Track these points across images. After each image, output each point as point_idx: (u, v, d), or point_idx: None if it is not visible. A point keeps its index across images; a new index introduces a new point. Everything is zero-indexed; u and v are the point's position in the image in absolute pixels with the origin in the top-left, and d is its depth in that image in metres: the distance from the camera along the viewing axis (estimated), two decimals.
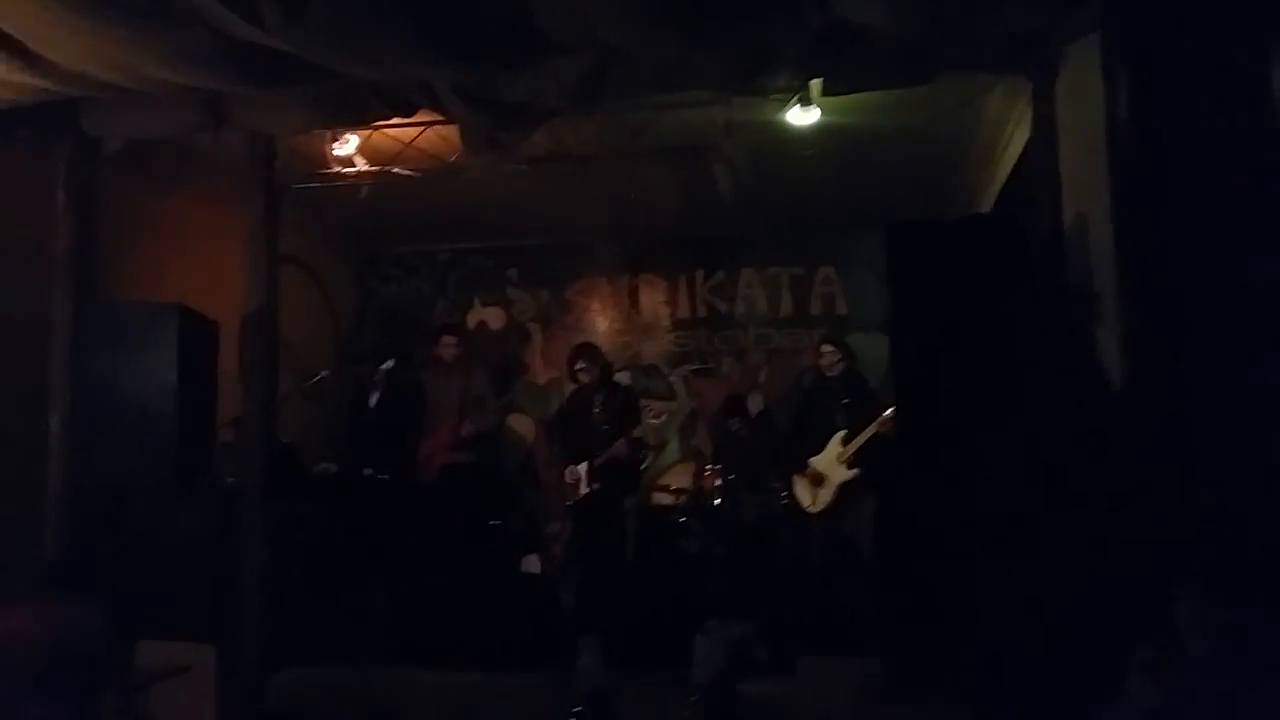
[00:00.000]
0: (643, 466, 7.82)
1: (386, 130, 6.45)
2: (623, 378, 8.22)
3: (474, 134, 5.70)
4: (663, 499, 7.51)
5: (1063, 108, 4.95)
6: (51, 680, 1.14)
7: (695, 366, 9.09)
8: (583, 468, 7.10)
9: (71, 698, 1.21)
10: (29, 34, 4.42)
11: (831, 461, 6.56)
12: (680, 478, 7.79)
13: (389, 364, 7.10)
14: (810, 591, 5.89)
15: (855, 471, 6.41)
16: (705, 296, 9.24)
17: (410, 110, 5.63)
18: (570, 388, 7.77)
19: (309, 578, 5.82)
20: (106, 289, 5.81)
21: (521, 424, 9.16)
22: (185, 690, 4.54)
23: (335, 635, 5.52)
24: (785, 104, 5.94)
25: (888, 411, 5.93)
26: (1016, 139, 6.03)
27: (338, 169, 6.80)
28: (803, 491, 6.70)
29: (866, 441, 6.35)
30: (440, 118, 5.84)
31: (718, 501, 7.06)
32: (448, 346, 7.63)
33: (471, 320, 9.41)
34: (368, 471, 6.69)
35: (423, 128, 6.37)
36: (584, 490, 7.08)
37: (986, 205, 7.06)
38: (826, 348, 6.93)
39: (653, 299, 9.31)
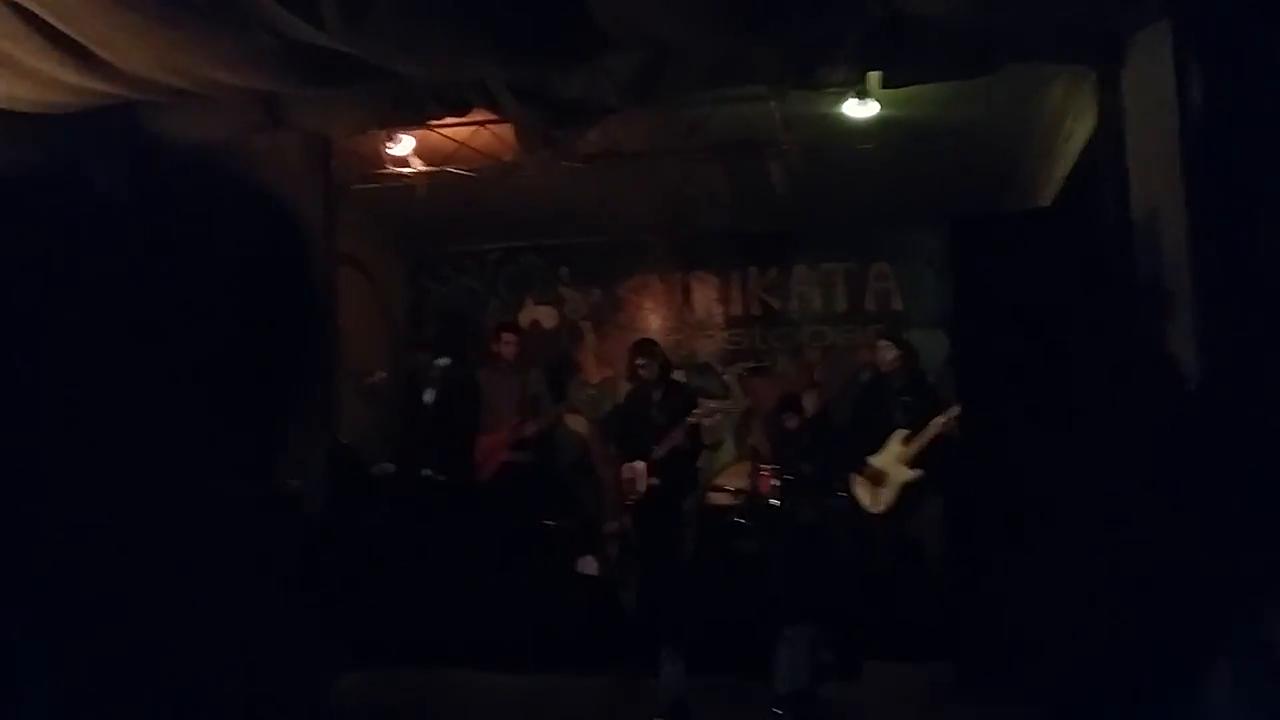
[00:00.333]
0: (698, 464, 7.76)
1: (442, 130, 6.46)
2: (677, 376, 8.17)
3: (529, 132, 5.70)
4: (719, 499, 7.44)
5: (1130, 98, 4.83)
6: None
7: (750, 365, 9.02)
8: (641, 465, 7.05)
9: None
10: (92, 38, 4.47)
11: (892, 461, 6.46)
12: (736, 478, 7.72)
13: (445, 361, 7.11)
14: (873, 594, 5.81)
15: (918, 472, 6.29)
16: (759, 293, 9.17)
17: (466, 109, 5.63)
18: (626, 386, 7.74)
19: (368, 579, 5.84)
20: None
21: (576, 423, 9.13)
22: None
23: (395, 637, 5.53)
24: (842, 97, 5.87)
25: (951, 410, 5.82)
26: (1078, 131, 5.90)
27: (394, 169, 6.83)
28: (863, 491, 6.61)
29: (929, 441, 6.24)
30: (495, 116, 5.84)
31: (775, 502, 6.99)
32: (509, 344, 7.59)
33: (524, 319, 9.39)
34: (426, 472, 6.69)
35: (477, 126, 6.37)
36: (642, 487, 7.03)
37: (1046, 199, 6.93)
38: (884, 343, 6.83)
39: (706, 296, 9.26)
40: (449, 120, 6.05)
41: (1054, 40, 5.07)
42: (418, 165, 6.76)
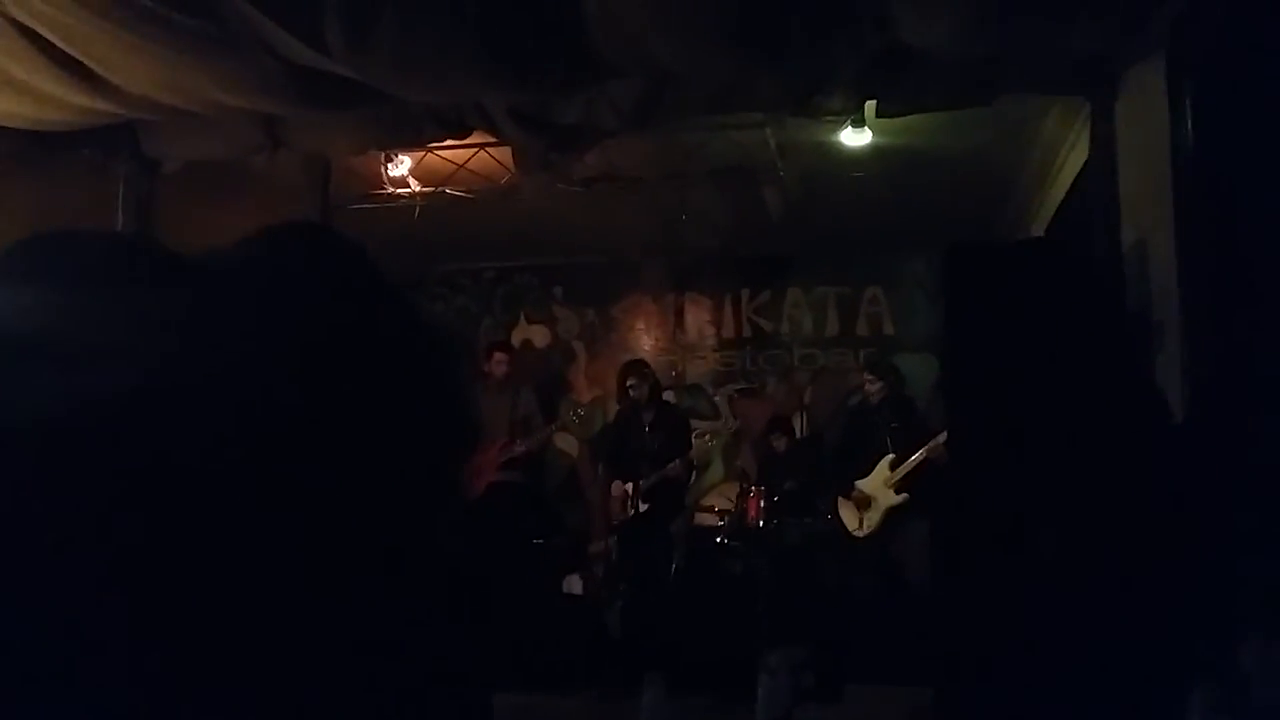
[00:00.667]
0: (687, 487, 7.79)
1: (439, 151, 6.50)
2: (667, 397, 8.20)
3: (528, 155, 5.75)
4: (706, 519, 7.48)
5: (1123, 129, 4.90)
6: None
7: (740, 386, 9.06)
8: (629, 486, 7.08)
9: None
10: (94, 57, 4.50)
11: (879, 485, 6.50)
12: (724, 498, 7.76)
13: None
14: (856, 617, 5.84)
15: (904, 497, 6.35)
16: (751, 316, 9.22)
17: (464, 131, 5.68)
18: (616, 407, 7.77)
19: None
20: None
21: (565, 443, 9.16)
22: None
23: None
24: (838, 125, 5.93)
25: (939, 437, 5.87)
26: (1072, 161, 5.98)
27: (391, 190, 6.86)
28: (848, 515, 6.65)
29: (916, 467, 6.29)
30: (494, 139, 5.88)
31: (762, 524, 7.03)
32: (499, 363, 7.62)
33: (516, 338, 9.43)
34: None
35: (476, 149, 6.42)
36: (631, 510, 7.05)
37: (1039, 228, 7.01)
38: (869, 376, 6.87)
39: (698, 318, 9.31)
40: (448, 142, 6.09)
41: (1049, 71, 5.14)
42: (415, 186, 6.80)
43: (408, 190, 6.82)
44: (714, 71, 5.03)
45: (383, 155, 6.55)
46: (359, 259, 0.85)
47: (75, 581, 0.61)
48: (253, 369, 0.68)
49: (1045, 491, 4.17)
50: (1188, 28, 3.96)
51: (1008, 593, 4.17)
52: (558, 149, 5.64)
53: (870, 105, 5.52)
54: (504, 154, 6.21)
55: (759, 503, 7.21)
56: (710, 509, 7.71)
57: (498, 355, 7.75)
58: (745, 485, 7.64)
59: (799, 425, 8.06)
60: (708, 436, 7.81)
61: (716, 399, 9.15)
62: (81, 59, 4.45)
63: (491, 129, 5.54)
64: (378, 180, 6.80)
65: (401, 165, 6.65)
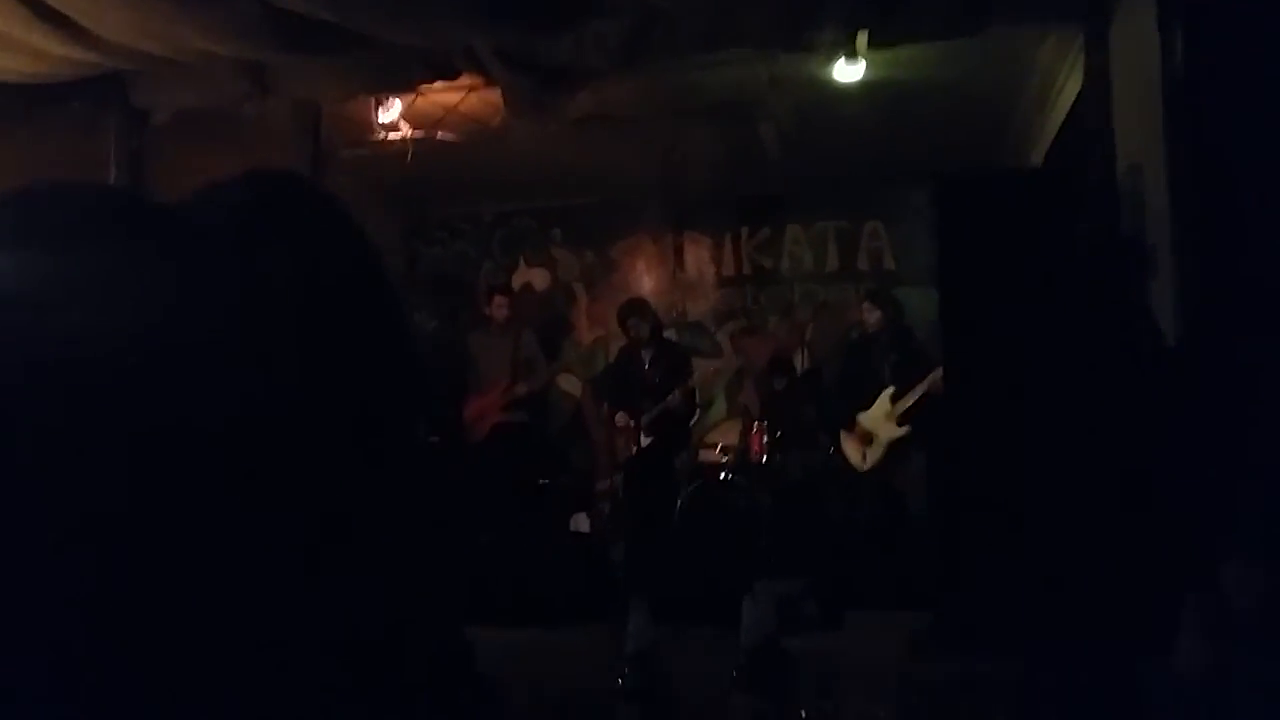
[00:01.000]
0: (691, 423, 7.84)
1: (430, 95, 6.46)
2: (669, 335, 8.22)
3: (517, 97, 5.71)
4: (710, 457, 7.53)
5: (1116, 57, 4.85)
6: None
7: (741, 324, 9.07)
8: (632, 420, 7.12)
9: None
10: (77, 8, 4.48)
11: (880, 419, 6.53)
12: (727, 435, 7.81)
13: (433, 324, 7.16)
14: (859, 548, 5.91)
15: (906, 429, 6.38)
16: (751, 253, 9.19)
17: (454, 75, 5.64)
18: (617, 346, 7.79)
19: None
20: None
21: (568, 383, 9.21)
22: None
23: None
24: (831, 59, 5.86)
25: (939, 370, 5.88)
26: (1068, 90, 5.92)
27: (383, 135, 6.83)
28: (851, 449, 6.68)
29: (918, 400, 6.31)
30: (484, 81, 5.84)
31: (765, 459, 7.08)
32: (500, 306, 7.64)
33: (517, 281, 9.42)
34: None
35: (466, 92, 6.37)
36: (634, 447, 7.11)
37: (1038, 157, 6.96)
38: (868, 305, 6.87)
39: (698, 257, 9.29)
40: (437, 85, 6.05)
41: (1042, 0, 5.09)
42: (406, 130, 6.77)
43: (399, 135, 6.79)
44: (702, 6, 4.98)
45: (373, 100, 6.51)
46: (332, 210, 0.86)
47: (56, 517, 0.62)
48: (226, 323, 0.69)
49: (1039, 419, 4.20)
50: None
51: (1003, 519, 4.21)
52: (547, 90, 5.61)
53: (862, 37, 5.46)
54: (495, 96, 6.16)
55: (762, 438, 7.26)
56: (714, 446, 7.75)
57: (498, 299, 7.77)
58: (748, 422, 7.69)
59: (800, 361, 8.09)
60: (709, 375, 7.83)
61: (718, 337, 9.16)
62: (62, 9, 4.43)
63: (480, 71, 5.50)
64: (369, 125, 6.77)
65: (392, 110, 6.62)
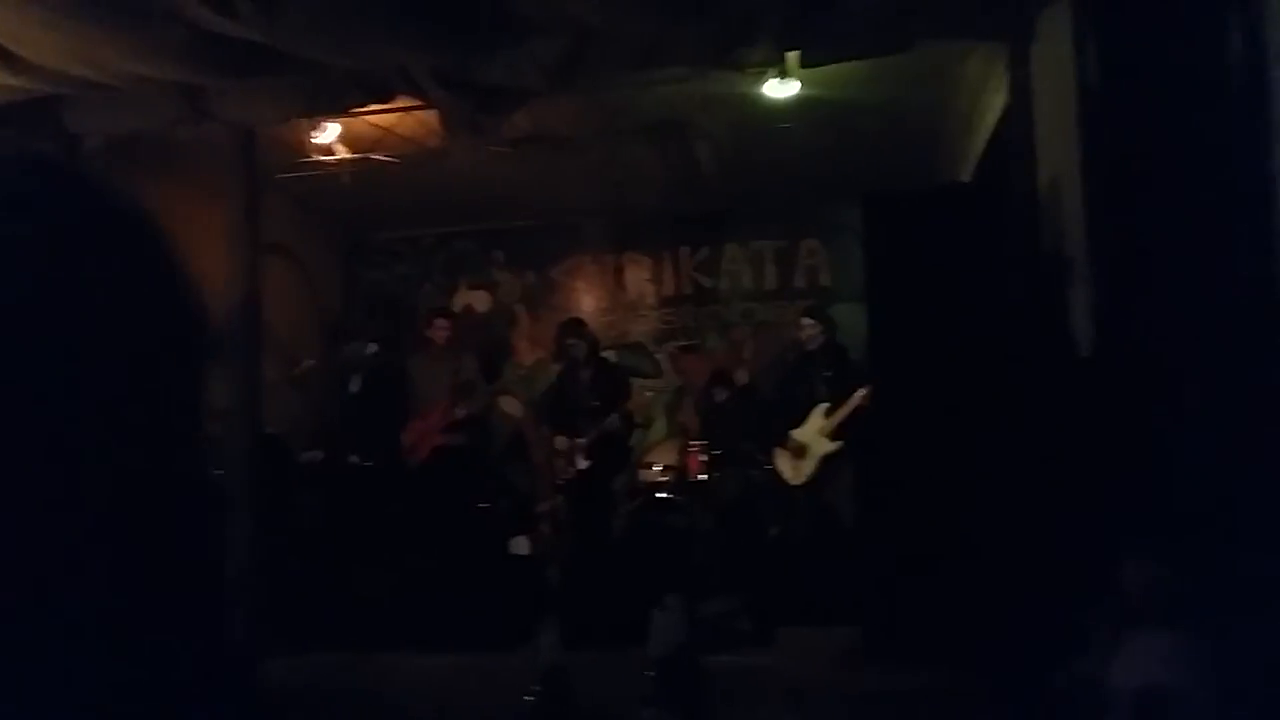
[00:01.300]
0: (630, 444, 7.85)
1: (366, 117, 6.46)
2: (609, 356, 8.25)
3: (453, 117, 5.72)
4: (649, 476, 7.54)
5: (1038, 73, 4.97)
6: None
7: (681, 343, 9.12)
8: (571, 440, 7.12)
9: None
10: (7, 34, 4.44)
11: (813, 434, 6.60)
12: (667, 455, 7.83)
13: (372, 348, 7.13)
14: (792, 564, 5.95)
15: (838, 444, 6.45)
16: (690, 273, 9.28)
17: (389, 96, 5.65)
18: (557, 368, 7.80)
19: (298, 567, 5.86)
20: None
21: (510, 405, 9.18)
22: None
23: (325, 624, 5.57)
24: (763, 77, 5.96)
25: (870, 384, 5.96)
26: (994, 106, 6.05)
27: (319, 158, 6.81)
28: (785, 464, 6.74)
29: (849, 414, 6.39)
30: (419, 102, 5.86)
31: (703, 477, 7.11)
32: (440, 329, 7.63)
33: (457, 304, 9.41)
34: (354, 459, 6.72)
35: (402, 113, 6.38)
36: (574, 469, 7.11)
37: (967, 174, 7.09)
38: (806, 320, 6.95)
39: (638, 277, 9.35)
40: (374, 107, 6.05)
41: (968, 17, 5.20)
42: (343, 153, 6.76)
43: (335, 157, 6.78)
44: (635, 26, 5.03)
45: (308, 123, 6.49)
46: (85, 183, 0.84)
47: None
48: None
49: (965, 429, 4.28)
50: None
51: (930, 532, 4.28)
52: (484, 110, 5.62)
53: (793, 56, 5.56)
54: (432, 117, 6.17)
55: (699, 457, 7.30)
56: (653, 465, 7.77)
57: (439, 321, 7.76)
58: (686, 441, 7.72)
59: (740, 379, 8.14)
60: (649, 394, 7.86)
61: (658, 356, 9.21)
62: None
63: (415, 92, 5.52)
64: (305, 149, 6.75)
65: (328, 133, 6.60)
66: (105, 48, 4.49)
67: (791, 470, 6.65)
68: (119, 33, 4.40)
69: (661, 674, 2.75)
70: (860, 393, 6.13)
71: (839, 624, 4.65)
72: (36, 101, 5.37)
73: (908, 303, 4.59)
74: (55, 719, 0.67)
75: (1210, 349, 3.14)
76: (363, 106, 5.88)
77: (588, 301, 9.35)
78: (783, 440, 6.72)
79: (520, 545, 7.37)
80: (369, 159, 6.81)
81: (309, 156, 6.83)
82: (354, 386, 7.06)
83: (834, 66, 5.65)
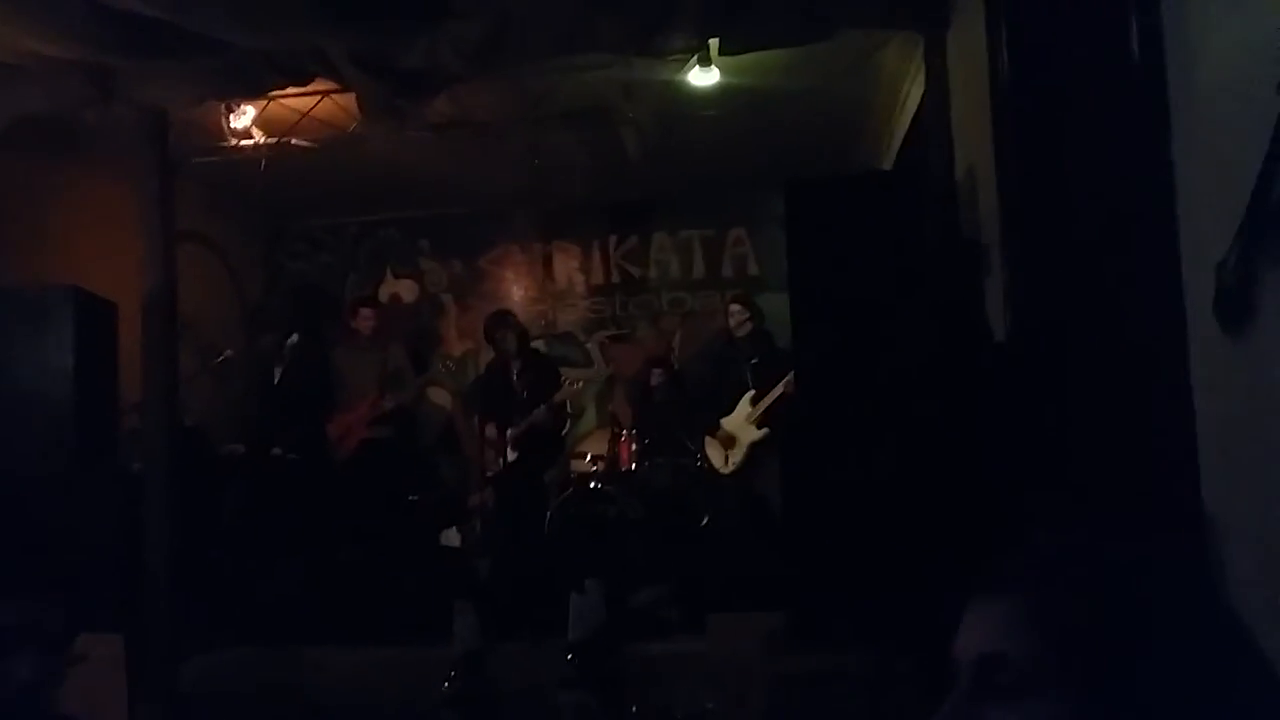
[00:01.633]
0: (563, 434, 7.82)
1: (284, 101, 6.34)
2: (539, 346, 8.20)
3: (372, 102, 5.62)
4: (580, 466, 7.52)
5: (953, 62, 5.02)
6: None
7: (610, 332, 9.10)
8: (501, 433, 7.07)
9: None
10: None
11: (741, 422, 6.63)
12: (597, 445, 7.80)
13: (293, 338, 7.00)
14: (721, 551, 5.97)
15: (765, 431, 6.48)
16: (619, 261, 9.26)
17: (306, 79, 5.54)
18: (487, 357, 7.73)
19: (220, 561, 5.75)
20: None
21: (439, 396, 9.11)
22: (92, 682, 4.47)
23: (249, 618, 5.48)
24: (685, 65, 5.95)
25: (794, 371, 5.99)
26: (914, 95, 6.11)
27: (235, 141, 6.67)
28: (714, 453, 6.77)
29: (775, 401, 6.42)
30: (337, 86, 5.76)
31: (633, 466, 7.10)
32: (365, 319, 7.51)
33: (384, 293, 9.30)
34: (276, 451, 6.60)
35: (320, 97, 6.27)
36: (502, 460, 7.05)
37: (888, 161, 7.16)
38: (734, 307, 6.97)
39: (566, 266, 9.31)
40: (291, 91, 5.94)
41: (884, 6, 5.24)
42: (259, 137, 6.62)
43: (251, 141, 6.64)
44: (555, 11, 4.99)
45: (223, 106, 6.36)
46: None
47: None
48: None
49: (884, 415, 4.31)
50: None
51: (853, 516, 4.31)
52: (403, 94, 5.53)
53: (714, 43, 5.55)
54: (351, 101, 6.07)
55: (630, 446, 7.28)
56: (584, 455, 7.74)
57: (364, 311, 7.64)
58: (616, 431, 7.70)
59: (670, 368, 8.14)
60: (579, 384, 7.82)
61: (588, 346, 9.18)
62: None
63: (333, 76, 5.41)
64: (220, 132, 6.60)
65: (244, 116, 6.47)
66: (6, 24, 4.34)
67: (721, 459, 6.68)
68: (21, 8, 4.26)
69: (580, 657, 2.75)
70: (786, 379, 6.16)
71: (767, 610, 4.67)
72: None
73: (829, 289, 4.60)
74: None
75: (1115, 335, 3.19)
76: (279, 90, 5.76)
77: (516, 291, 9.29)
78: (713, 429, 6.74)
79: (451, 537, 7.32)
80: (287, 144, 6.68)
81: (223, 140, 6.68)
82: (276, 377, 6.93)
83: (756, 55, 5.64)
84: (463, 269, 9.38)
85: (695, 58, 5.82)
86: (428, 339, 9.22)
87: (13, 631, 1.13)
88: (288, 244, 9.54)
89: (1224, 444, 2.40)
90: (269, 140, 6.66)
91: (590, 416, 8.83)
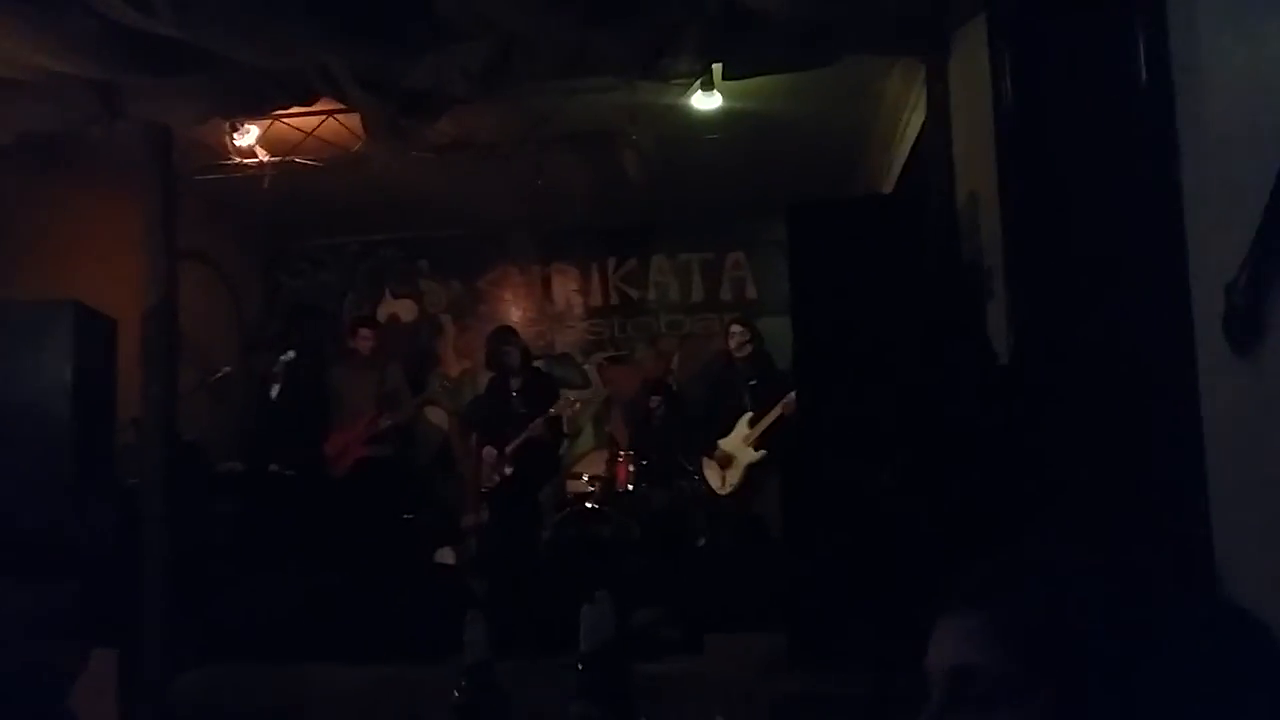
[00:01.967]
0: (559, 453, 7.81)
1: (288, 120, 6.36)
2: (538, 365, 8.20)
3: (377, 122, 5.65)
4: (577, 487, 7.52)
5: (955, 89, 5.07)
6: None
7: (608, 354, 9.12)
8: (497, 453, 7.06)
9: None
10: None
11: (738, 443, 6.63)
12: (594, 465, 7.80)
13: (289, 355, 7.00)
14: (719, 573, 5.96)
15: (762, 453, 6.49)
16: (617, 284, 9.29)
17: (311, 98, 5.57)
18: (484, 378, 7.74)
19: (215, 578, 5.73)
20: None
21: (436, 416, 9.11)
22: (85, 695, 4.44)
23: (244, 635, 5.45)
24: (688, 89, 5.99)
25: (793, 393, 6.00)
26: (914, 121, 6.16)
27: (238, 159, 6.69)
28: (712, 474, 6.77)
29: (773, 423, 6.43)
30: (342, 106, 5.78)
31: (630, 487, 7.10)
32: (364, 339, 7.52)
33: (383, 313, 9.30)
34: (273, 468, 6.59)
35: (324, 116, 6.30)
36: (498, 476, 7.04)
37: (888, 188, 7.20)
38: (735, 328, 6.99)
39: (565, 287, 9.33)
40: (295, 110, 5.96)
41: (886, 33, 5.28)
42: (263, 155, 6.64)
43: (255, 160, 6.66)
44: (557, 34, 5.03)
45: (228, 124, 6.37)
46: None
47: None
48: None
49: (885, 436, 4.32)
50: None
51: (852, 538, 4.31)
52: (407, 115, 5.57)
53: (717, 68, 5.59)
54: (354, 121, 6.10)
55: (628, 467, 7.28)
56: (581, 476, 7.73)
57: (363, 331, 7.65)
58: (614, 451, 7.70)
59: (667, 390, 8.15)
60: (577, 404, 7.83)
61: (586, 367, 9.20)
62: None
63: (338, 95, 5.44)
64: (223, 151, 6.62)
65: (248, 135, 6.49)
66: (16, 40, 4.35)
67: (719, 480, 6.68)
68: (30, 24, 4.27)
69: (589, 668, 2.73)
70: (784, 401, 6.17)
71: (764, 630, 4.66)
72: None
73: (831, 311, 4.62)
74: None
75: (1122, 358, 3.20)
76: (284, 108, 5.79)
77: (514, 312, 9.31)
78: (710, 450, 6.75)
79: (446, 556, 7.31)
80: (290, 162, 6.69)
81: (227, 159, 6.70)
82: (273, 395, 6.93)
83: (758, 80, 5.70)
84: (461, 289, 9.40)
85: (698, 82, 5.86)
86: (426, 359, 9.23)
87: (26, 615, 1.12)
88: (287, 262, 9.55)
89: (1234, 465, 2.41)
90: (272, 159, 6.67)
91: (588, 437, 8.82)
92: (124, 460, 5.69)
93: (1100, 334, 3.46)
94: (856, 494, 4.31)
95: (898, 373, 4.35)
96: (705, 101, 6.08)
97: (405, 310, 9.47)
